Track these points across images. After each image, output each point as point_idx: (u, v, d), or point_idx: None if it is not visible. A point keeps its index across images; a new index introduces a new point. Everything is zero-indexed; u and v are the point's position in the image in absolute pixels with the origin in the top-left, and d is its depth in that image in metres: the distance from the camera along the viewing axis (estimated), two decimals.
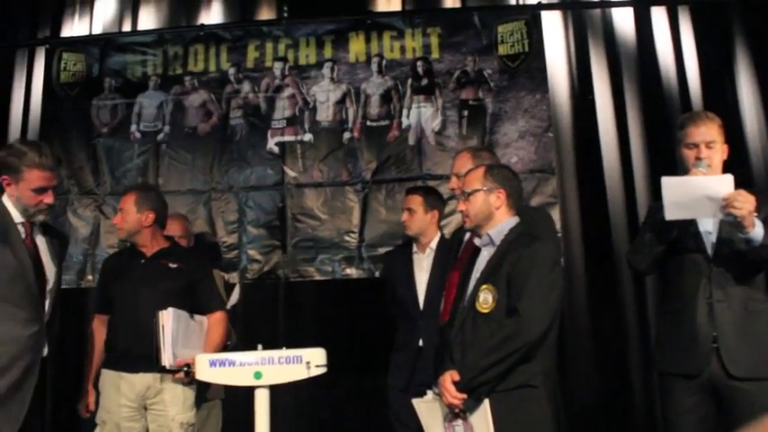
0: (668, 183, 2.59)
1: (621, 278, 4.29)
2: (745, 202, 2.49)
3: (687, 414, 2.66)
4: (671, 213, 2.60)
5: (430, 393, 2.57)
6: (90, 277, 4.48)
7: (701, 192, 2.54)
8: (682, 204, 2.56)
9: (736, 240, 2.60)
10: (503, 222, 2.57)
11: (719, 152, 2.73)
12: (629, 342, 4.24)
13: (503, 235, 2.55)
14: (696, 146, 2.71)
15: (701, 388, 2.64)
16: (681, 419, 2.68)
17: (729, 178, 2.56)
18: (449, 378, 2.40)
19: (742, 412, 2.56)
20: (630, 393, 4.18)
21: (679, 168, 2.84)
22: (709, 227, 2.71)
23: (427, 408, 2.56)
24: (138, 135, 4.63)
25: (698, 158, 2.70)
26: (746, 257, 2.61)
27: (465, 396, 2.37)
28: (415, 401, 2.61)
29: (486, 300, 2.45)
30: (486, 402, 2.35)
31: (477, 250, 2.63)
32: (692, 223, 2.71)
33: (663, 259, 2.77)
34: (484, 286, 2.47)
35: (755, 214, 2.54)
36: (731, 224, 2.58)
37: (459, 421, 2.42)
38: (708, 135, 2.71)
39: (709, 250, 2.69)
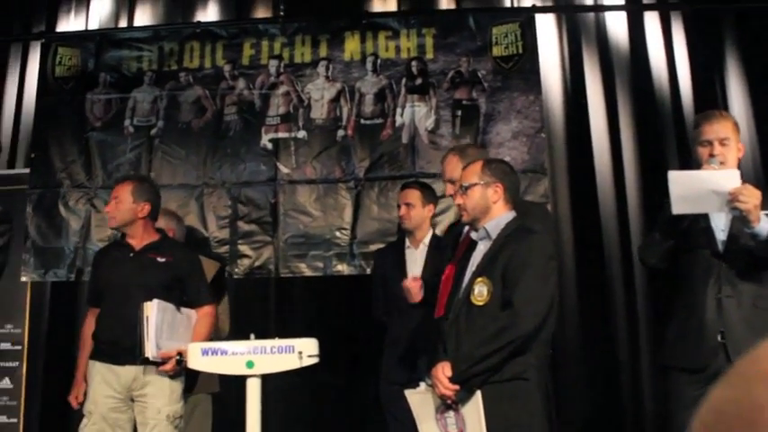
0: (675, 177, 2.61)
1: (611, 278, 4.32)
2: (751, 197, 2.49)
3: (691, 407, 2.66)
4: (677, 207, 2.60)
5: (422, 385, 2.57)
6: (80, 271, 4.45)
7: (707, 186, 2.54)
8: (688, 198, 2.57)
9: (743, 237, 2.60)
10: (499, 216, 2.58)
11: (734, 150, 2.72)
12: (618, 340, 4.26)
13: (499, 229, 2.56)
14: (710, 143, 2.71)
15: (707, 383, 2.59)
16: (684, 413, 2.66)
17: (736, 173, 2.57)
18: (441, 369, 2.40)
19: None
20: (619, 390, 4.20)
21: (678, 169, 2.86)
22: (720, 224, 2.71)
23: (419, 399, 2.56)
24: (131, 129, 4.62)
25: (711, 155, 2.70)
26: (756, 254, 2.61)
27: (457, 387, 2.37)
28: (408, 393, 2.61)
29: (480, 292, 2.46)
30: (479, 394, 2.35)
31: (473, 244, 2.65)
32: (703, 219, 2.72)
33: (673, 255, 2.78)
34: (479, 279, 2.48)
35: (765, 213, 2.54)
36: (737, 219, 2.59)
37: (451, 413, 2.43)
38: (721, 132, 2.71)
39: (720, 247, 2.69)
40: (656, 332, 3.81)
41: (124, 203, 3.23)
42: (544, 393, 2.46)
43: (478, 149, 3.25)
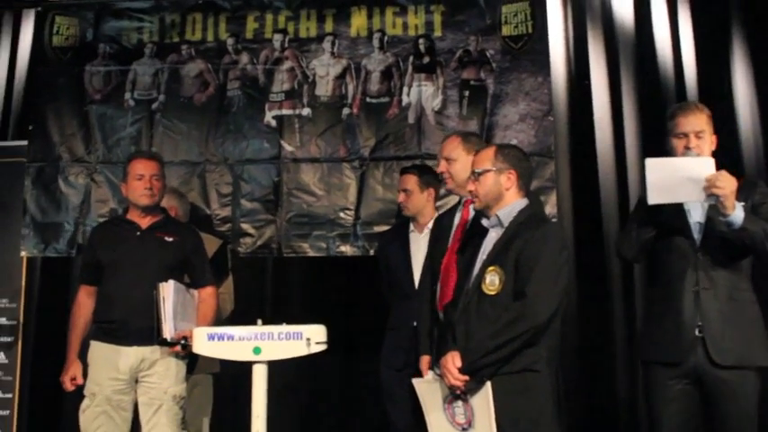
0: (652, 164, 2.64)
1: (611, 263, 4.30)
2: (727, 183, 2.54)
3: (671, 402, 2.71)
4: (653, 197, 2.64)
5: (430, 374, 2.57)
6: (80, 246, 4.39)
7: (683, 173, 2.60)
8: (664, 187, 2.61)
9: (719, 225, 2.64)
10: (512, 203, 2.56)
11: (708, 142, 2.78)
12: (615, 327, 4.26)
13: (512, 216, 2.53)
14: (686, 135, 2.76)
15: (685, 376, 2.68)
16: (665, 408, 2.72)
17: (711, 161, 2.63)
18: (451, 359, 2.39)
19: (725, 401, 2.62)
20: (614, 377, 4.20)
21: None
22: (696, 216, 2.75)
23: (427, 388, 2.56)
24: (131, 103, 4.53)
25: (687, 148, 2.75)
26: (732, 245, 2.65)
27: (467, 378, 2.36)
28: (415, 381, 2.61)
29: (492, 282, 2.44)
30: (488, 385, 2.35)
31: (483, 231, 2.61)
32: (679, 212, 2.76)
33: (650, 248, 2.82)
34: (491, 268, 2.46)
35: (742, 204, 2.59)
36: (712, 207, 2.63)
37: (460, 403, 2.43)
38: (697, 125, 2.76)
39: (697, 239, 2.73)
40: None
41: (163, 182, 3.27)
42: (554, 386, 2.45)
43: (481, 141, 3.23)
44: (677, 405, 2.70)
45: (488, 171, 2.56)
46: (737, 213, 2.57)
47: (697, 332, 2.65)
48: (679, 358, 2.68)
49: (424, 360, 3.03)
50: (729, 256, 2.70)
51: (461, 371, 2.36)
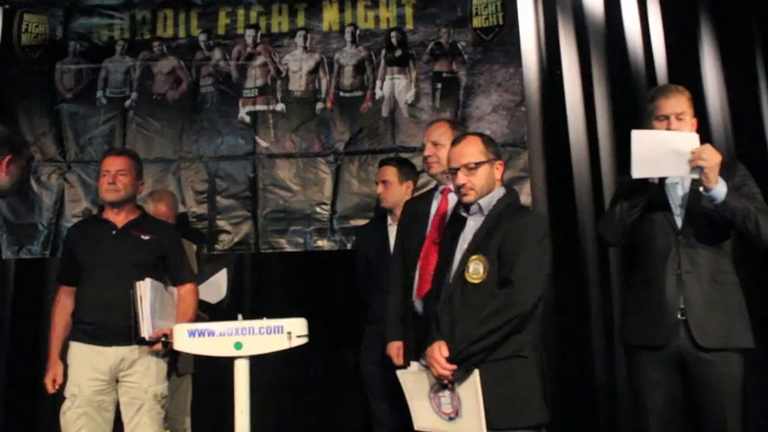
0: (638, 135, 2.63)
1: (586, 252, 4.35)
2: (712, 156, 2.55)
3: (656, 386, 2.71)
4: (638, 171, 2.63)
5: (414, 365, 2.55)
6: (54, 247, 4.36)
7: (669, 145, 2.60)
8: (650, 160, 2.61)
9: (703, 201, 2.64)
10: (492, 192, 2.57)
11: (689, 124, 2.76)
12: (591, 315, 4.30)
13: (491, 205, 2.54)
14: (666, 118, 2.74)
15: (668, 360, 2.68)
16: (649, 392, 2.72)
17: (696, 136, 2.64)
18: (438, 349, 2.38)
19: (708, 384, 2.62)
20: (592, 367, 4.25)
21: None
22: (677, 199, 2.76)
23: (412, 379, 2.54)
24: (103, 101, 4.50)
25: (668, 130, 2.72)
26: (714, 226, 2.66)
27: (455, 367, 2.36)
28: (400, 373, 2.58)
29: (476, 270, 2.44)
30: (476, 373, 2.35)
31: (460, 220, 2.61)
32: (661, 194, 2.76)
33: (632, 231, 2.80)
34: (474, 257, 2.46)
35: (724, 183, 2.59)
36: (695, 182, 2.64)
37: (446, 392, 2.42)
38: (678, 107, 2.74)
39: (678, 221, 2.73)
40: None
41: (130, 178, 3.18)
42: (540, 370, 2.46)
43: (465, 129, 3.22)
44: (662, 388, 2.70)
45: (483, 163, 2.53)
46: (720, 188, 2.58)
47: (680, 315, 2.64)
48: (662, 341, 2.67)
49: (393, 347, 3.06)
50: (711, 238, 2.70)
51: (449, 360, 2.36)
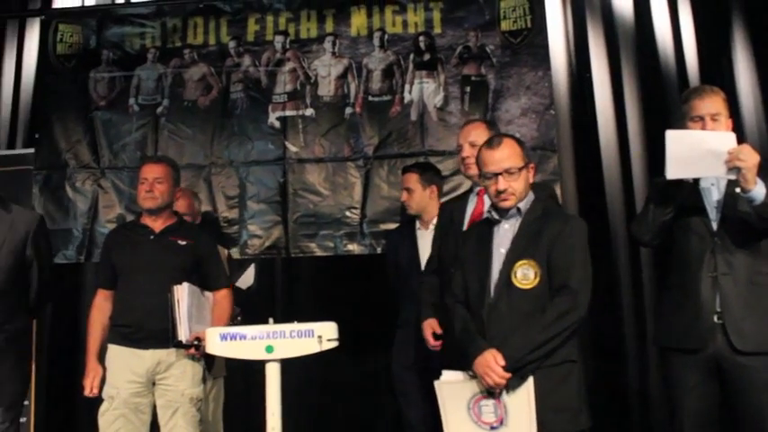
0: (673, 135, 2.58)
1: (618, 255, 4.32)
2: (750, 156, 2.50)
3: (692, 390, 2.65)
4: (672, 171, 2.59)
5: (451, 373, 2.48)
6: (89, 252, 4.43)
7: (704, 146, 2.55)
8: (684, 160, 2.56)
9: (740, 203, 2.59)
10: (528, 195, 2.56)
11: (724, 125, 2.71)
12: (624, 318, 4.27)
13: (526, 209, 2.52)
14: (701, 119, 2.70)
15: (704, 364, 2.63)
16: (686, 395, 2.67)
17: (732, 135, 2.59)
18: (492, 359, 2.32)
19: (746, 388, 2.57)
20: (625, 370, 4.22)
21: None
22: (714, 199, 2.71)
23: (450, 389, 2.47)
24: (136, 108, 4.58)
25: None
26: (750, 228, 2.61)
27: (510, 375, 2.32)
28: (438, 383, 2.49)
29: (526, 276, 2.41)
30: (531, 380, 2.32)
31: (488, 222, 2.57)
32: (696, 194, 2.72)
33: (667, 231, 2.76)
34: (522, 262, 2.42)
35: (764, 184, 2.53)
36: (732, 184, 2.59)
37: (490, 401, 2.37)
38: (713, 108, 2.70)
39: (714, 222, 2.69)
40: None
41: (167, 185, 3.24)
42: (584, 374, 2.46)
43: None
44: (697, 392, 2.65)
45: (523, 168, 2.51)
46: (759, 189, 2.52)
47: (716, 318, 2.60)
48: (698, 345, 2.62)
49: (428, 324, 3.06)
50: (747, 239, 2.64)
51: (506, 369, 2.31)
